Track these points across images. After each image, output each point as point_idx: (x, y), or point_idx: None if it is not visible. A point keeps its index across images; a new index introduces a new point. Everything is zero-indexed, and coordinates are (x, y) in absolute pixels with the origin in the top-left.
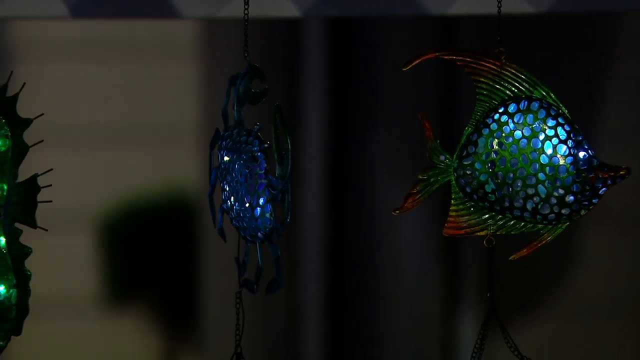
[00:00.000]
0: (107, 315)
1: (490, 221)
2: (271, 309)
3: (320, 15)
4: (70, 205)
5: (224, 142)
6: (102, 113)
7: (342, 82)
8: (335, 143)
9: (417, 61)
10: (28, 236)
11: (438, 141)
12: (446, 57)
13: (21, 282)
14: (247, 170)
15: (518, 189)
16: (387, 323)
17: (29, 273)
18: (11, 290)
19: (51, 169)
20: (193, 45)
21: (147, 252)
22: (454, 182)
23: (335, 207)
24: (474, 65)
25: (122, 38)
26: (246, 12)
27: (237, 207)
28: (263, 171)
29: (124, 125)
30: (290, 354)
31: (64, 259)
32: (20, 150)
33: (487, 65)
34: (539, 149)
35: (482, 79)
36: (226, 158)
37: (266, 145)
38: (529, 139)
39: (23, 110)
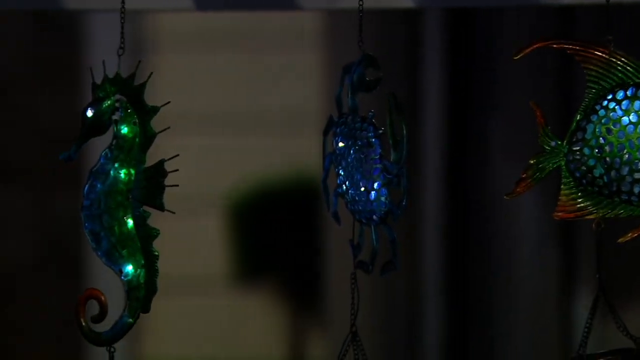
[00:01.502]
0: (235, 294)
1: (598, 205)
2: (392, 290)
3: (437, 7)
4: (199, 190)
5: (338, 129)
6: (227, 101)
7: (460, 71)
8: (453, 130)
9: (528, 50)
10: (162, 219)
11: (549, 127)
12: (555, 46)
13: (149, 262)
14: (362, 156)
15: (625, 173)
16: (506, 305)
17: (156, 253)
18: (139, 270)
19: (177, 155)
20: (314, 35)
21: (272, 234)
22: (564, 167)
23: (453, 192)
24: (583, 54)
25: (245, 29)
26: (361, 2)
27: (352, 192)
28: (378, 156)
29: (249, 112)
30: (411, 335)
31: (194, 240)
32: (147, 136)
33: (596, 53)
34: None
35: (592, 67)
36: (341, 144)
37: (381, 131)
38: (635, 125)
39: (154, 98)
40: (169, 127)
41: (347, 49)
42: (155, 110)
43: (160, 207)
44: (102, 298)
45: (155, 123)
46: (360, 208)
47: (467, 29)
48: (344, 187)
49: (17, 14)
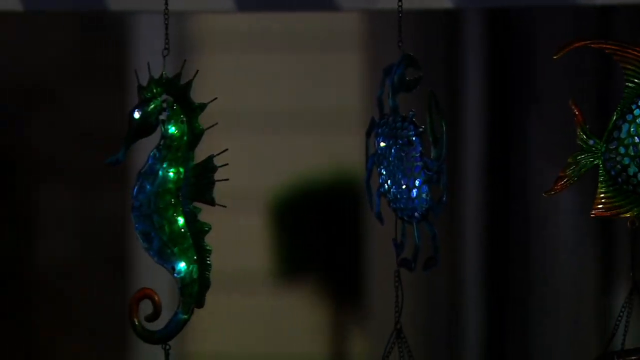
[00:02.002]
0: (278, 291)
1: (633, 204)
2: (433, 289)
3: (476, 7)
4: (244, 187)
5: (379, 129)
6: (269, 101)
7: (499, 70)
8: (493, 129)
9: (567, 49)
10: (206, 216)
11: (587, 126)
12: (594, 46)
13: (202, 257)
14: (403, 154)
15: None
16: (545, 304)
17: (209, 248)
18: (192, 266)
19: (226, 149)
20: (355, 36)
21: (315, 231)
22: (601, 165)
23: (494, 191)
24: (621, 53)
25: (287, 30)
26: (400, 3)
27: (394, 190)
28: (418, 154)
29: (291, 112)
30: (451, 333)
31: (238, 237)
32: (195, 134)
33: (634, 53)
34: None
35: (629, 66)
36: (382, 144)
37: (421, 130)
38: None
39: (199, 98)
40: (217, 123)
41: (388, 50)
42: (202, 107)
43: (211, 202)
44: (156, 298)
45: (202, 122)
46: (402, 205)
47: (505, 28)
48: (386, 186)
49: (65, 15)
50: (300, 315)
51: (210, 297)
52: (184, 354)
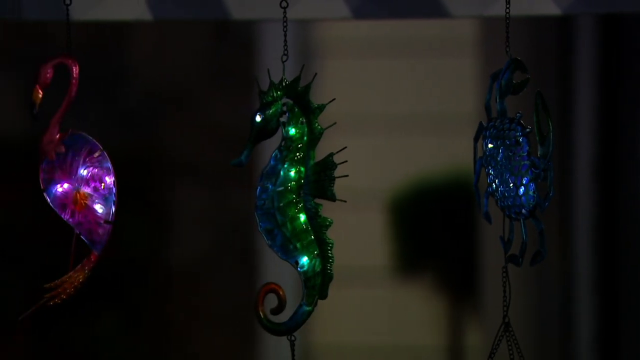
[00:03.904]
0: (395, 285)
1: None
2: (545, 284)
3: (585, 12)
4: (365, 187)
5: (487, 132)
6: (386, 104)
7: (610, 74)
8: (604, 130)
9: None
10: (328, 212)
11: None
12: None
13: (324, 250)
14: (510, 154)
15: None
16: None
17: (330, 241)
18: (314, 260)
19: (345, 147)
20: (468, 42)
21: (431, 229)
22: None
23: (604, 190)
24: None
25: (402, 36)
26: (507, 9)
27: (502, 189)
28: (526, 153)
29: (407, 115)
30: (562, 327)
31: (359, 233)
32: (315, 134)
33: None
34: None
35: None
36: (490, 145)
37: (528, 130)
38: None
39: (319, 101)
40: (335, 123)
41: (499, 54)
42: (321, 107)
43: (332, 198)
44: (281, 292)
45: (321, 123)
46: (509, 203)
47: (616, 33)
48: (494, 186)
49: (195, 24)
50: (417, 308)
51: (333, 290)
52: (307, 345)
